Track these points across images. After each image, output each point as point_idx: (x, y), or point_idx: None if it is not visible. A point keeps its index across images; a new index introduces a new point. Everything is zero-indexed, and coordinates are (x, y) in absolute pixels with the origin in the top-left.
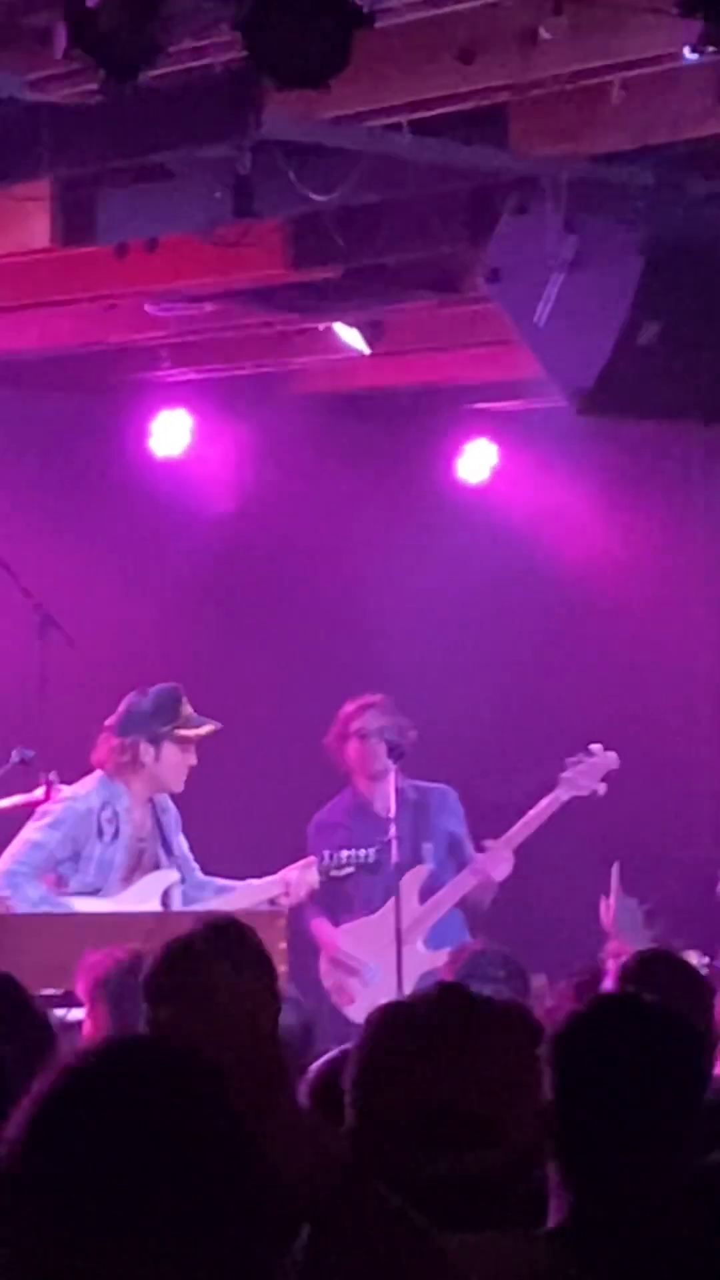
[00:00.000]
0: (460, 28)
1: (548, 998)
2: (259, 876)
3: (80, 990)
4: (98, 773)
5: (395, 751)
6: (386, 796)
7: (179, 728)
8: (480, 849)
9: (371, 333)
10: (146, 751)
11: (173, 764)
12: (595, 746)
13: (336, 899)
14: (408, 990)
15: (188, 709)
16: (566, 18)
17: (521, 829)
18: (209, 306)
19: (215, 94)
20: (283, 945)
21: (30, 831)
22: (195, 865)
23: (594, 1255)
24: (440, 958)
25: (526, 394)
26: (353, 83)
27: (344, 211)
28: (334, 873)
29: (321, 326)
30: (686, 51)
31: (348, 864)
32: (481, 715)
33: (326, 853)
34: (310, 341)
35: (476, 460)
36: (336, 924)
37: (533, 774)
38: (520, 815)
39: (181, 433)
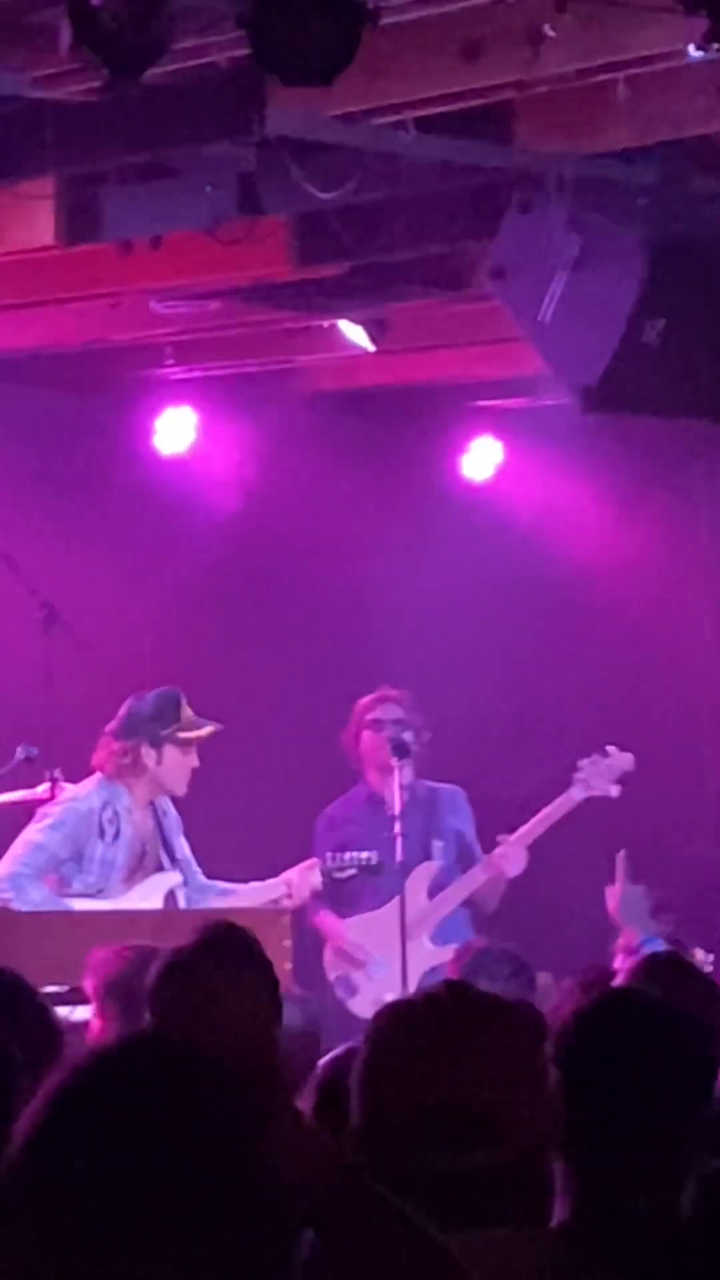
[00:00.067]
0: (465, 25)
1: (553, 995)
2: (263, 875)
3: (88, 988)
4: (98, 775)
5: (400, 749)
6: (399, 792)
7: (180, 730)
8: (494, 844)
9: (376, 330)
10: (148, 754)
11: (175, 766)
12: (610, 748)
13: (343, 894)
14: (412, 985)
15: (188, 711)
16: (570, 15)
17: (535, 826)
18: (213, 304)
19: (219, 91)
20: (287, 943)
21: (31, 833)
22: (198, 868)
23: (598, 1253)
24: (447, 954)
25: (531, 391)
26: (357, 80)
27: (348, 209)
28: (336, 874)
29: (326, 324)
30: (691, 49)
31: (350, 865)
32: (484, 713)
33: (329, 854)
34: (315, 339)
35: (481, 458)
36: (343, 919)
37: (536, 772)
38: (523, 812)
39: (186, 430)
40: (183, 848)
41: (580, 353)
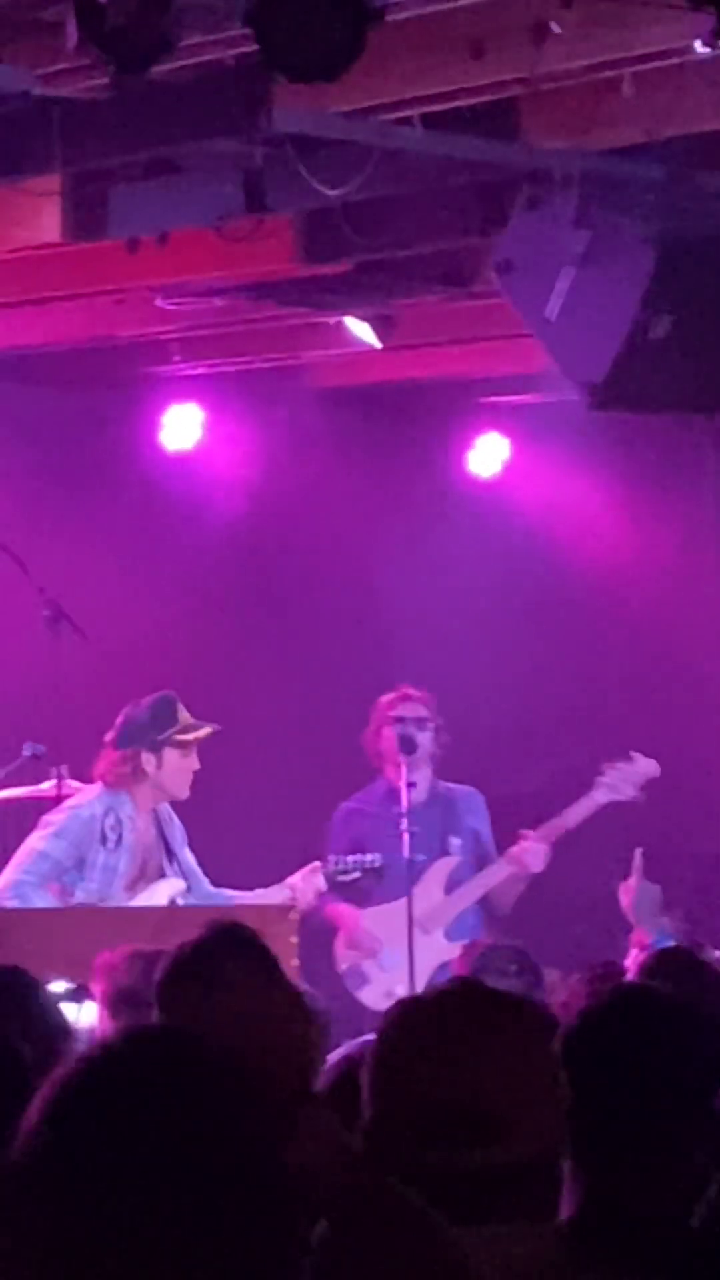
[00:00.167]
0: (470, 21)
1: (560, 992)
2: (269, 875)
3: (97, 993)
4: (99, 785)
5: (408, 745)
6: (419, 788)
7: (178, 733)
8: (517, 838)
9: (382, 327)
10: (148, 760)
11: (176, 770)
12: (635, 754)
13: (357, 888)
14: (421, 979)
15: (184, 714)
16: (576, 11)
17: (557, 825)
18: (220, 301)
19: (226, 88)
20: (293, 939)
21: (35, 841)
22: (203, 877)
23: (602, 1251)
24: (459, 950)
25: (538, 388)
26: (363, 77)
27: (355, 205)
28: (340, 876)
29: (332, 320)
30: (697, 45)
31: (354, 868)
32: (489, 710)
33: (332, 857)
34: (321, 335)
35: (488, 454)
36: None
37: (539, 770)
38: (529, 810)
39: (192, 427)
40: (187, 858)
41: (587, 349)
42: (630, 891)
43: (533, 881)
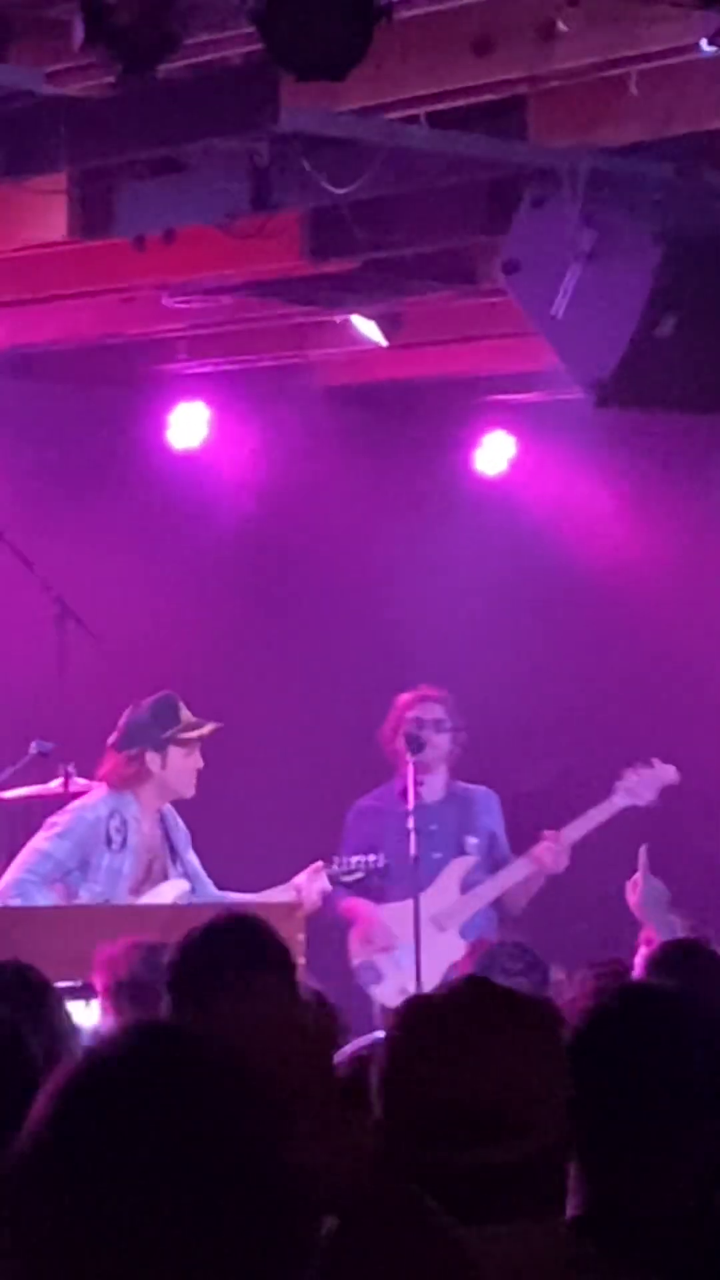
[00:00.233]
0: (477, 19)
1: (567, 990)
2: (276, 872)
3: (98, 986)
4: (104, 787)
5: (414, 745)
6: (434, 787)
7: (181, 731)
8: (537, 838)
9: (389, 325)
10: (153, 760)
11: (181, 768)
12: (655, 760)
13: (371, 886)
14: (436, 977)
15: (186, 712)
16: (583, 9)
17: (578, 827)
18: (226, 299)
19: (232, 87)
20: (301, 937)
21: (39, 841)
22: (208, 880)
23: (609, 1248)
24: None
25: (544, 386)
26: (370, 75)
27: (361, 204)
28: (344, 878)
29: (339, 319)
30: (704, 43)
31: (357, 869)
32: (496, 707)
33: (336, 859)
34: (328, 334)
35: (494, 452)
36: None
37: (546, 768)
38: (532, 808)
39: (199, 425)
40: (191, 860)
41: (594, 347)
42: (637, 889)
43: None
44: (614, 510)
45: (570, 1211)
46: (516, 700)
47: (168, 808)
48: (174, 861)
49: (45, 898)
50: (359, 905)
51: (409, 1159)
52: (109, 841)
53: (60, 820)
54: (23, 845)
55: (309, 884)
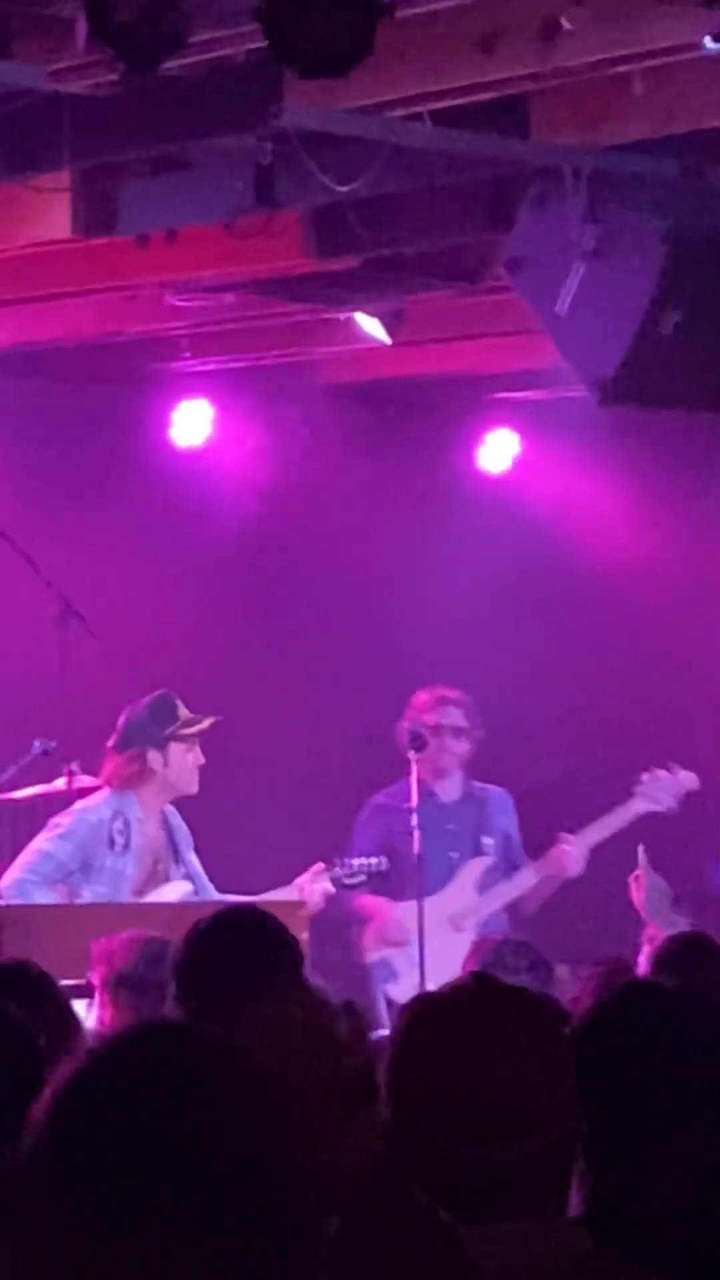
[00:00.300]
0: (481, 17)
1: (571, 988)
2: (281, 870)
3: (96, 979)
4: (106, 789)
5: (416, 741)
6: (451, 788)
7: (181, 727)
8: (555, 841)
9: (392, 322)
10: (155, 759)
11: (182, 765)
12: (675, 765)
13: (387, 883)
14: (445, 976)
15: (184, 710)
16: (587, 7)
17: (596, 830)
18: (230, 297)
19: (235, 84)
20: (304, 935)
21: (41, 842)
22: (209, 883)
23: (612, 1247)
24: None
25: (548, 384)
26: (373, 72)
27: (365, 201)
28: (346, 880)
29: (342, 316)
30: (708, 41)
31: (359, 872)
32: (499, 705)
33: (338, 860)
34: (331, 331)
35: (498, 450)
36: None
37: (549, 766)
38: (536, 806)
39: (202, 423)
40: (193, 862)
41: (597, 345)
42: (641, 888)
43: None
44: (618, 508)
45: (573, 1210)
46: (519, 699)
47: (170, 809)
48: (176, 863)
49: (46, 898)
50: (374, 902)
51: (416, 1156)
52: (111, 843)
53: (63, 821)
54: (25, 845)
55: (311, 885)
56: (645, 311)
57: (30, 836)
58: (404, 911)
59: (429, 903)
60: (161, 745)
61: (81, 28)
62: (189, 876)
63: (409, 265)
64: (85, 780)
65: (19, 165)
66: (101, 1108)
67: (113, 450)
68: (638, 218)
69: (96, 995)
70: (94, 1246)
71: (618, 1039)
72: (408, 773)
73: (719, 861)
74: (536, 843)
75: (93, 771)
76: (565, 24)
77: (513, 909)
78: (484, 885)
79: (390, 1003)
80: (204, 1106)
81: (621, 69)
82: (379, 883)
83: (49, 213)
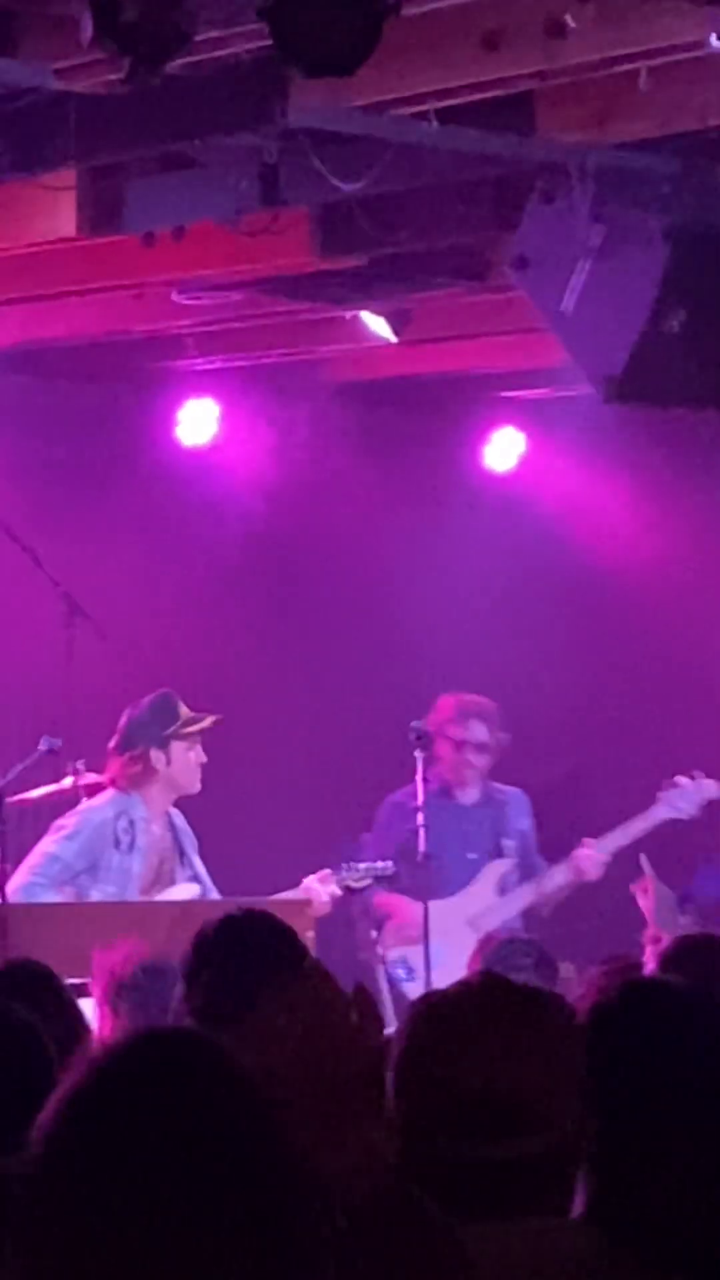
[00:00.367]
0: (486, 15)
1: (576, 986)
2: (286, 871)
3: (97, 991)
4: (110, 790)
5: (422, 740)
6: (471, 791)
7: (183, 726)
8: (580, 845)
9: (398, 321)
10: (157, 758)
11: (185, 763)
12: (697, 773)
13: (411, 881)
14: (457, 978)
15: (184, 708)
16: (591, 5)
17: (619, 835)
18: (235, 295)
19: (241, 82)
20: (310, 934)
21: (47, 845)
22: (212, 886)
23: (616, 1245)
24: None
25: (554, 382)
26: (379, 71)
27: (370, 200)
28: (352, 884)
29: (348, 315)
30: (713, 39)
31: (365, 875)
32: (504, 704)
33: (344, 864)
34: (337, 330)
35: (504, 448)
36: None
37: (554, 766)
38: (539, 806)
39: (208, 421)
40: (197, 865)
41: (602, 342)
42: (649, 895)
43: None
44: (624, 506)
45: (579, 1207)
46: (524, 698)
47: (175, 812)
48: (182, 864)
49: (54, 901)
50: (394, 900)
51: (421, 1153)
52: (117, 843)
53: (68, 823)
54: (32, 846)
55: (318, 888)
56: (650, 309)
57: (35, 838)
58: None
59: (449, 904)
60: (164, 744)
61: (87, 26)
62: (195, 878)
63: (414, 264)
64: (93, 778)
65: (25, 163)
66: (104, 1114)
67: (118, 449)
68: (643, 215)
69: (97, 1009)
70: (98, 1249)
71: (623, 1036)
72: (414, 771)
73: (707, 864)
74: (541, 842)
75: (99, 769)
76: (570, 22)
77: (527, 910)
78: (504, 887)
79: (409, 1001)
80: (205, 1112)
81: (627, 67)
82: (397, 881)
83: (55, 211)
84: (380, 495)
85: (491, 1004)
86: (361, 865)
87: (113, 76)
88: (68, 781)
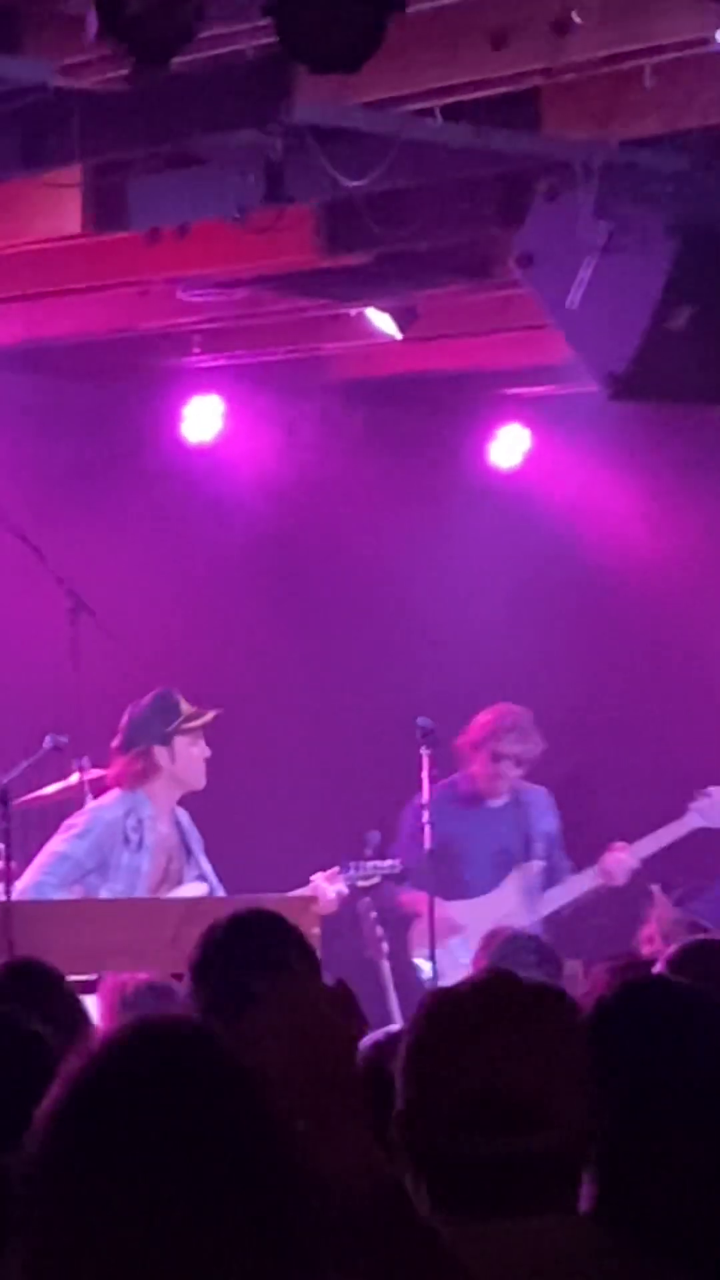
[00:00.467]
0: (492, 12)
1: (581, 983)
2: (291, 870)
3: (103, 1006)
4: (116, 789)
5: (428, 738)
6: (499, 797)
7: (185, 721)
8: (610, 849)
9: (404, 318)
10: (161, 754)
11: (189, 759)
12: None
13: (441, 883)
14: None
15: (185, 704)
16: (597, 2)
17: (649, 843)
18: (241, 292)
19: (246, 79)
20: (316, 931)
21: (56, 844)
22: (219, 884)
23: (621, 1243)
24: None
25: (559, 379)
26: (384, 67)
27: (376, 196)
28: (360, 882)
29: (353, 312)
30: (718, 36)
31: (374, 874)
32: (508, 700)
33: (352, 863)
34: (342, 327)
35: (509, 445)
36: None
37: (557, 765)
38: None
39: (213, 418)
40: (204, 864)
41: (608, 339)
42: (664, 920)
43: None
44: (629, 502)
45: (585, 1204)
46: (527, 695)
47: (180, 811)
48: (189, 863)
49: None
50: (421, 899)
51: (432, 1148)
52: (126, 841)
53: (77, 821)
54: (40, 845)
55: (326, 886)
56: (656, 306)
57: (43, 836)
58: (457, 910)
59: (479, 904)
60: (167, 740)
61: (92, 23)
62: (201, 877)
63: (420, 260)
64: (96, 773)
65: (30, 160)
66: (102, 1107)
67: (123, 446)
68: (648, 212)
69: (101, 1022)
70: (96, 1245)
71: (623, 1034)
72: (460, 773)
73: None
74: None
75: (104, 767)
76: (576, 19)
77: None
78: (532, 889)
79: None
80: (203, 1103)
81: (632, 64)
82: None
83: (59, 208)
84: (385, 492)
85: (499, 1001)
86: (370, 864)
87: (117, 74)
88: (74, 779)
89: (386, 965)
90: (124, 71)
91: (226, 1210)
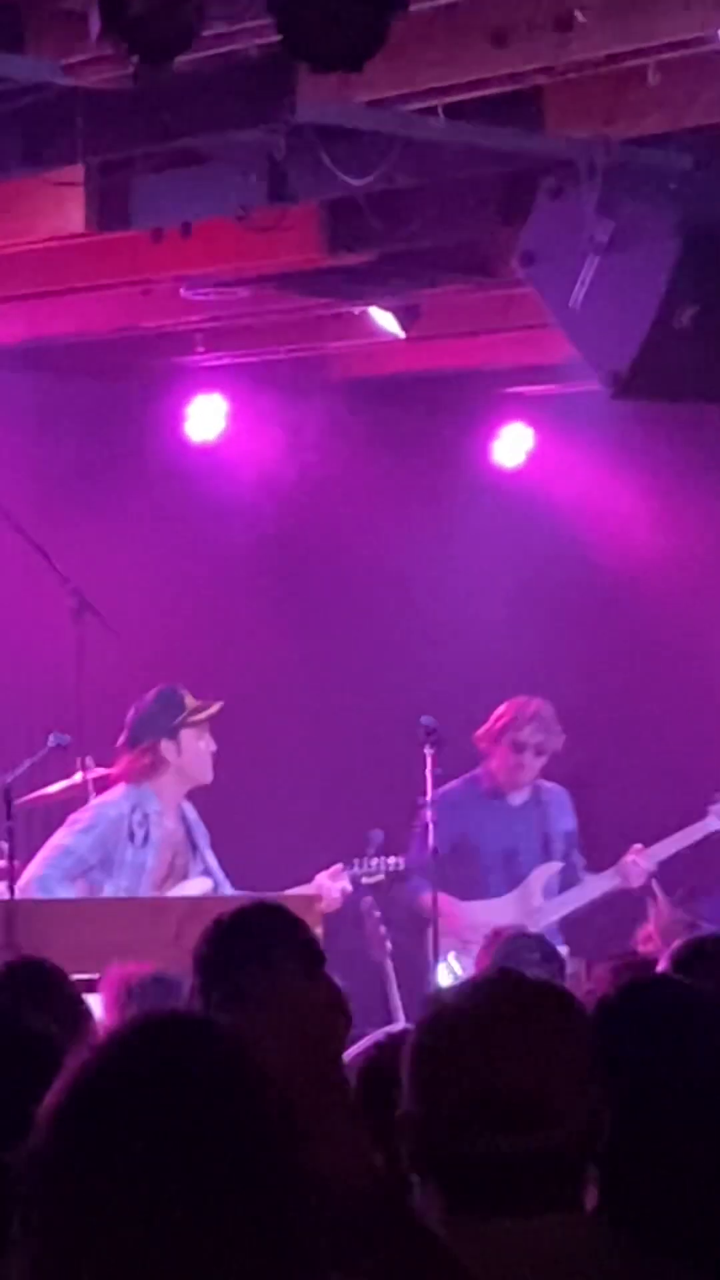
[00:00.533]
0: (494, 10)
1: (584, 982)
2: (296, 869)
3: (107, 997)
4: (122, 784)
5: (432, 737)
6: (522, 792)
7: (190, 715)
8: (630, 852)
9: (407, 317)
10: (168, 749)
11: (196, 752)
12: None
13: (460, 881)
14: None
15: (190, 699)
16: (600, 0)
17: (667, 846)
18: (244, 291)
19: (249, 78)
20: (318, 930)
21: (60, 837)
22: (225, 880)
23: (625, 1241)
24: None
25: (562, 378)
26: (387, 66)
27: (379, 195)
28: (365, 880)
29: (357, 311)
30: None
31: (378, 871)
32: (511, 698)
33: (356, 860)
34: (345, 326)
35: (512, 444)
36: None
37: (562, 761)
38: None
39: (216, 417)
40: (210, 859)
41: (611, 338)
42: (663, 919)
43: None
44: (633, 502)
45: (590, 1202)
46: (531, 694)
47: (187, 805)
48: (194, 858)
49: (67, 894)
50: (442, 900)
51: (438, 1147)
52: (131, 837)
53: (82, 817)
54: (43, 842)
55: (330, 884)
56: (659, 305)
57: (46, 833)
58: (483, 909)
59: (499, 904)
60: (173, 735)
61: (95, 22)
62: (207, 872)
63: (423, 259)
64: (100, 772)
65: (33, 159)
66: (104, 1106)
67: (127, 445)
68: (652, 211)
69: (105, 1014)
70: (97, 1244)
71: (631, 1032)
72: (481, 768)
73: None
74: None
75: (107, 766)
76: (579, 17)
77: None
78: (551, 889)
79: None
80: (205, 1104)
81: (635, 62)
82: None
83: (63, 207)
84: (388, 491)
85: (506, 999)
86: (373, 862)
87: (120, 72)
88: (78, 777)
89: (389, 964)
90: (127, 71)
91: (227, 1210)
